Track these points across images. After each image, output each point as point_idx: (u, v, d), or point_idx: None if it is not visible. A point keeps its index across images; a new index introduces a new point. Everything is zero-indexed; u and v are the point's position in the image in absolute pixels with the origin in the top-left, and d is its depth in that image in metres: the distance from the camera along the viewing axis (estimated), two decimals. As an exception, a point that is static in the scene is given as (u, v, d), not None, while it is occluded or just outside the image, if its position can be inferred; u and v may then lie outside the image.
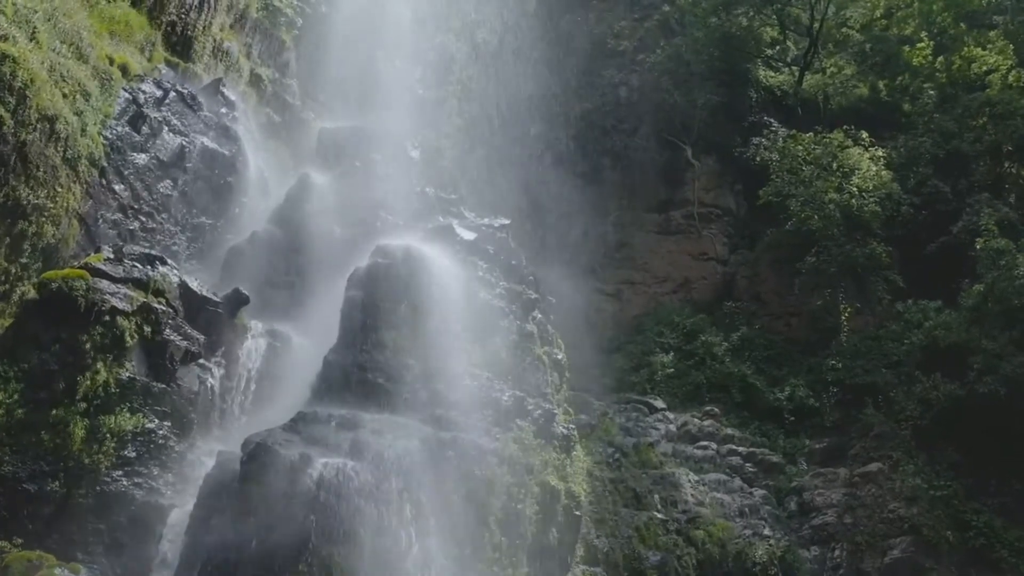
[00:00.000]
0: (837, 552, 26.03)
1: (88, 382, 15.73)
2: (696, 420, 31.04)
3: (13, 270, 16.90)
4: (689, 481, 27.42)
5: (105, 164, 19.18)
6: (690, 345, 35.23)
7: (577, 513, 19.06)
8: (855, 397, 30.75)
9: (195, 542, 14.43)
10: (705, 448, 29.72)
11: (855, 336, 33.33)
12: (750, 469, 29.22)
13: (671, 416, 31.21)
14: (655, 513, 25.32)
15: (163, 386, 16.62)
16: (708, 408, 31.84)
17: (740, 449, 29.79)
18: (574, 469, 20.19)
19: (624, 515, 24.82)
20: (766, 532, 26.35)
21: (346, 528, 14.01)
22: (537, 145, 39.27)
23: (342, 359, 16.45)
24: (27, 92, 16.85)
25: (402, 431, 15.38)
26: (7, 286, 16.79)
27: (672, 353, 34.80)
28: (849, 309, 33.90)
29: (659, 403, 31.75)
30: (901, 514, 26.27)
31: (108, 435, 15.61)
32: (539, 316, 20.86)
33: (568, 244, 39.93)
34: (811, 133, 36.55)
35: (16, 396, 15.21)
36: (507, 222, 22.55)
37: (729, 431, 30.65)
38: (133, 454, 15.81)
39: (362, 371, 16.28)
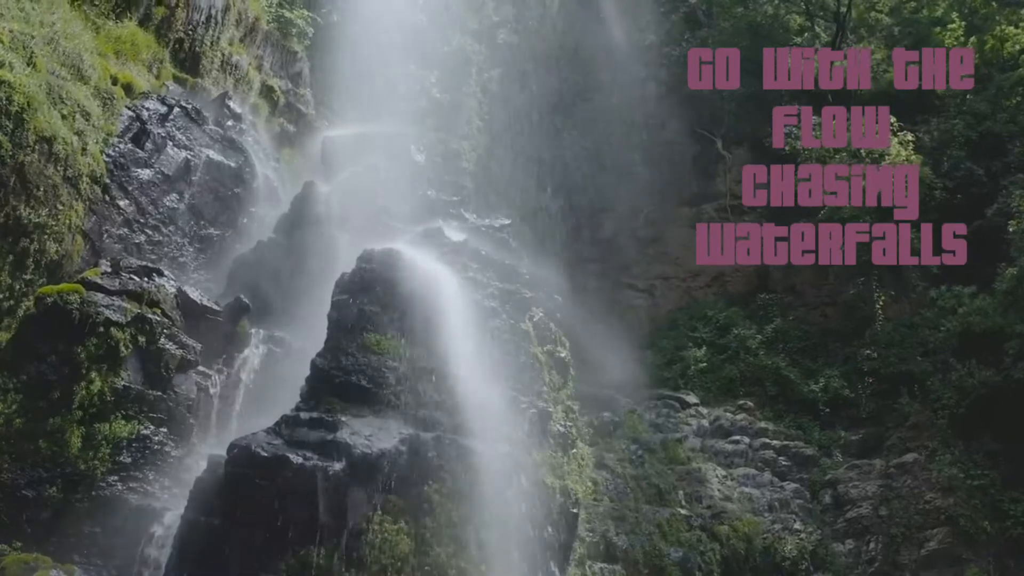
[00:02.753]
0: (872, 545, 25.59)
1: (84, 391, 16.28)
2: (729, 414, 30.68)
3: (17, 286, 17.54)
4: (717, 476, 27.09)
5: (108, 181, 19.79)
6: (723, 339, 34.92)
7: (574, 511, 18.95)
8: (891, 387, 30.19)
9: (184, 543, 14.80)
10: (736, 443, 29.33)
11: (890, 324, 32.63)
12: (783, 463, 28.79)
13: (704, 411, 30.91)
14: (678, 509, 25.07)
15: (159, 394, 17.11)
16: (742, 402, 31.52)
17: (773, 443, 29.35)
18: (572, 467, 20.08)
19: (646, 512, 24.61)
20: (796, 526, 25.96)
21: (322, 527, 14.30)
22: (563, 143, 39.14)
23: (327, 362, 16.68)
24: (24, 115, 17.47)
25: (383, 432, 15.55)
26: (12, 302, 17.44)
27: (705, 347, 34.56)
28: (883, 297, 33.18)
29: (691, 398, 31.49)
30: (938, 505, 25.72)
31: (104, 442, 16.18)
32: (539, 315, 20.82)
33: (599, 241, 39.92)
34: (840, 119, 35.76)
35: (15, 406, 15.87)
36: (507, 222, 22.57)
37: (763, 425, 30.26)
38: (129, 460, 16.36)
39: (346, 374, 16.50)
